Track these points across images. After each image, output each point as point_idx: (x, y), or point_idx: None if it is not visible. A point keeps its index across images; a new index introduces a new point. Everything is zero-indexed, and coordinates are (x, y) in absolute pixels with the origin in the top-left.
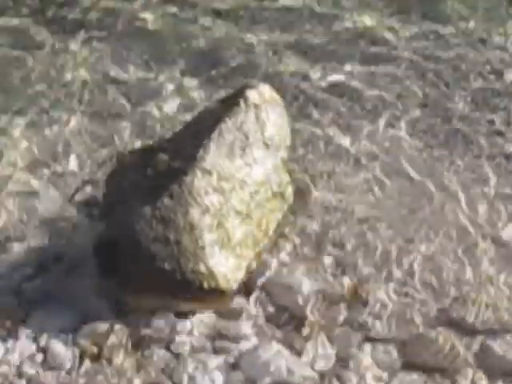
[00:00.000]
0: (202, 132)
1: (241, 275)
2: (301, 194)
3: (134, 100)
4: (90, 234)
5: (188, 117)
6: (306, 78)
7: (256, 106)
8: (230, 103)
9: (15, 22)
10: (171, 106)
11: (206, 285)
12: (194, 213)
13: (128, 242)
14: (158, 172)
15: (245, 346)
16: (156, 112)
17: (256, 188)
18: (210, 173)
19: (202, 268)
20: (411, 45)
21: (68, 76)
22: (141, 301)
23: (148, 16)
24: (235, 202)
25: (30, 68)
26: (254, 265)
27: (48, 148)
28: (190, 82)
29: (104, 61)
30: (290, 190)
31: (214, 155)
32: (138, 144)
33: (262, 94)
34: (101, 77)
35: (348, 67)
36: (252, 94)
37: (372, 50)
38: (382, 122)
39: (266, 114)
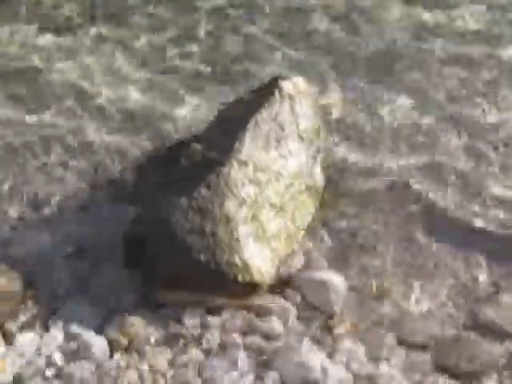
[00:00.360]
0: (236, 123)
1: (274, 270)
2: (332, 188)
3: None
4: (119, 225)
5: None
6: None
7: (290, 97)
8: (264, 94)
9: None
10: None
11: (240, 278)
12: (230, 204)
13: (162, 234)
14: (192, 162)
15: (277, 344)
16: None
17: (290, 180)
18: (246, 164)
19: (237, 260)
20: None
21: None
22: (173, 294)
23: None
24: (270, 194)
25: None
26: (286, 259)
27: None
28: None
29: None
30: (322, 184)
31: (250, 146)
32: None
33: (296, 85)
34: None
35: None
36: (286, 85)
37: None
38: None
39: (300, 105)
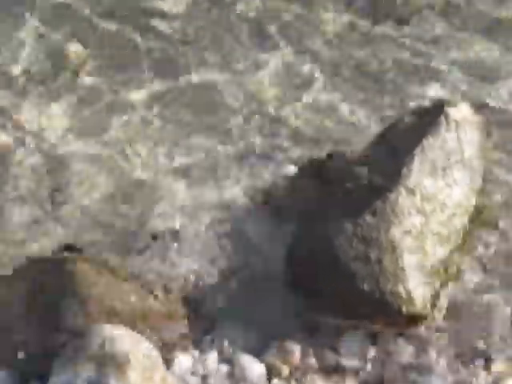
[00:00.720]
0: (400, 147)
1: (436, 301)
2: (495, 218)
3: None
4: (277, 243)
5: None
6: None
7: (457, 125)
8: (429, 119)
9: None
10: None
11: (404, 308)
12: (396, 232)
13: (325, 258)
14: (358, 187)
15: (431, 378)
16: None
17: (454, 211)
18: (413, 192)
19: (401, 290)
20: None
21: None
22: (332, 320)
23: None
24: (434, 225)
25: None
26: (447, 291)
27: None
28: None
29: None
30: (485, 214)
31: (417, 173)
32: None
33: (461, 112)
34: None
35: None
36: (453, 112)
37: None
38: None
39: (464, 133)
